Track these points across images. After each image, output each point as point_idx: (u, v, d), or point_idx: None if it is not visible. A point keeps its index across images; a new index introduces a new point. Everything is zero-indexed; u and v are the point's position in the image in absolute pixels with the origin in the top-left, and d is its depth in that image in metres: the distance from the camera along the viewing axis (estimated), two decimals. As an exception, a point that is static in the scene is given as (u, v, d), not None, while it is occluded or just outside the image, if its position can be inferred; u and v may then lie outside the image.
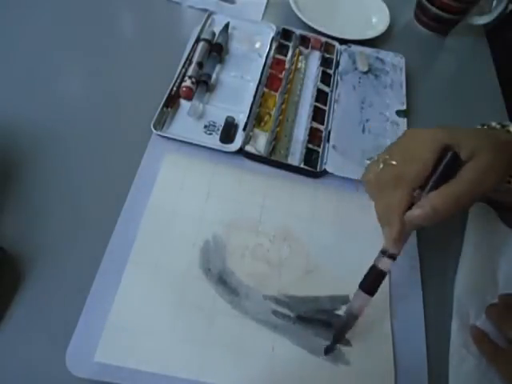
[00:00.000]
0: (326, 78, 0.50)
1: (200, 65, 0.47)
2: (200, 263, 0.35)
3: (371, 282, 0.31)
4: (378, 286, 0.31)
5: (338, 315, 0.34)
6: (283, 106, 0.46)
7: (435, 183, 0.30)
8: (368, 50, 0.54)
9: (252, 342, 0.32)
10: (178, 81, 0.45)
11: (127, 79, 0.46)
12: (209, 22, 0.53)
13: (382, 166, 0.32)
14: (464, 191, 0.29)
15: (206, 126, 0.43)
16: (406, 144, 0.33)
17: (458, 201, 0.29)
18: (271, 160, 0.42)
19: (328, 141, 0.44)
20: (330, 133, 0.45)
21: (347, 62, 0.52)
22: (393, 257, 0.31)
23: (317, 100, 0.47)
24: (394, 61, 0.54)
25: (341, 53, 0.53)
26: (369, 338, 0.33)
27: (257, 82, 0.47)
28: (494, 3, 0.59)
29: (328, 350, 0.32)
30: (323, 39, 0.54)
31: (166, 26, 0.54)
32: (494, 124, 0.36)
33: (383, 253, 0.31)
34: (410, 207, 0.30)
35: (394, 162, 0.32)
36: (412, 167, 0.30)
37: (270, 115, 0.45)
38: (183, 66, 0.46)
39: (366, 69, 0.52)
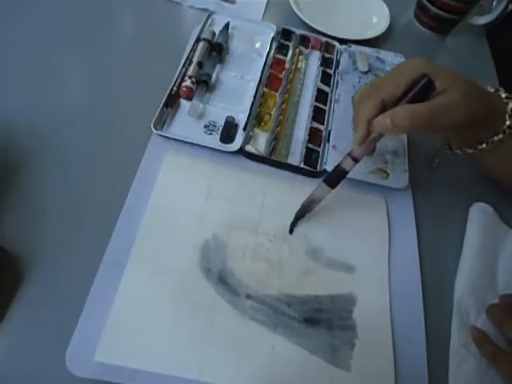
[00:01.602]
0: (326, 78, 0.50)
1: (200, 65, 0.47)
2: (200, 263, 0.35)
3: (334, 177, 0.36)
4: (339, 181, 0.36)
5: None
6: (283, 106, 0.46)
7: (406, 103, 0.33)
8: (368, 50, 0.54)
9: (252, 342, 0.32)
10: (178, 81, 0.45)
11: (127, 79, 0.46)
12: (209, 21, 0.53)
13: (368, 86, 0.36)
14: (422, 112, 0.32)
15: (206, 126, 0.43)
16: (392, 70, 0.36)
17: (415, 117, 0.32)
18: (271, 160, 0.42)
19: (328, 141, 0.44)
20: (330, 133, 0.45)
21: (347, 61, 0.52)
22: (355, 159, 0.35)
23: (317, 100, 0.47)
24: (394, 61, 0.54)
25: (341, 53, 0.53)
26: (370, 342, 0.33)
27: (257, 81, 0.47)
28: (494, 3, 0.59)
29: (291, 230, 0.38)
30: (323, 39, 0.54)
31: (166, 25, 0.54)
32: (489, 87, 0.38)
33: (349, 154, 0.35)
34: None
35: (376, 82, 0.36)
36: (387, 83, 0.34)
37: (270, 115, 0.45)
38: (183, 66, 0.46)
39: (366, 69, 0.52)
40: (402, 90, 0.33)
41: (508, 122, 0.35)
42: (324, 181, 0.36)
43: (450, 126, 0.33)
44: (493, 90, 0.37)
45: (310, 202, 0.37)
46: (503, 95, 0.36)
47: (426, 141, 0.46)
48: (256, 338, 0.32)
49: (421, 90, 0.32)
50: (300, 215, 0.38)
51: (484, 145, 0.36)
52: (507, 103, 0.36)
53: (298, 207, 0.38)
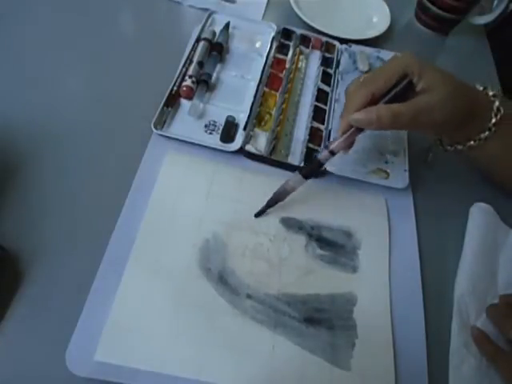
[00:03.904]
0: (326, 78, 0.50)
1: (200, 64, 0.47)
2: (200, 262, 0.35)
3: (309, 169, 0.37)
4: (314, 172, 0.38)
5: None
6: (284, 106, 0.46)
7: (387, 101, 0.34)
8: (368, 50, 0.54)
9: (252, 342, 0.32)
10: (179, 80, 0.45)
11: (127, 79, 0.46)
12: (209, 21, 0.53)
13: (361, 79, 0.37)
14: (405, 112, 0.33)
15: (206, 126, 0.43)
16: (383, 65, 0.37)
17: (397, 117, 0.33)
18: (271, 159, 0.42)
19: (328, 140, 0.44)
20: (330, 132, 0.45)
21: (348, 61, 0.52)
22: (332, 152, 0.36)
23: (317, 99, 0.47)
24: (394, 60, 0.54)
25: (341, 52, 0.53)
26: (370, 342, 0.33)
27: (257, 81, 0.47)
28: (495, 3, 0.59)
29: (258, 214, 0.38)
30: (324, 39, 0.54)
31: (167, 25, 0.54)
32: (478, 85, 0.38)
33: (326, 147, 0.36)
34: None
35: (369, 76, 0.37)
36: (378, 77, 0.35)
37: (271, 115, 0.45)
38: (184, 66, 0.46)
39: (366, 68, 0.52)
40: (392, 85, 0.34)
41: (494, 120, 0.36)
42: (299, 171, 0.37)
43: (431, 126, 0.35)
44: (481, 88, 0.38)
45: (282, 191, 0.37)
46: (490, 93, 0.37)
47: (426, 140, 0.46)
48: (256, 338, 0.32)
49: (402, 90, 0.34)
50: (272, 203, 0.38)
51: (472, 142, 0.37)
52: (493, 101, 0.36)
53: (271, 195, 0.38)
